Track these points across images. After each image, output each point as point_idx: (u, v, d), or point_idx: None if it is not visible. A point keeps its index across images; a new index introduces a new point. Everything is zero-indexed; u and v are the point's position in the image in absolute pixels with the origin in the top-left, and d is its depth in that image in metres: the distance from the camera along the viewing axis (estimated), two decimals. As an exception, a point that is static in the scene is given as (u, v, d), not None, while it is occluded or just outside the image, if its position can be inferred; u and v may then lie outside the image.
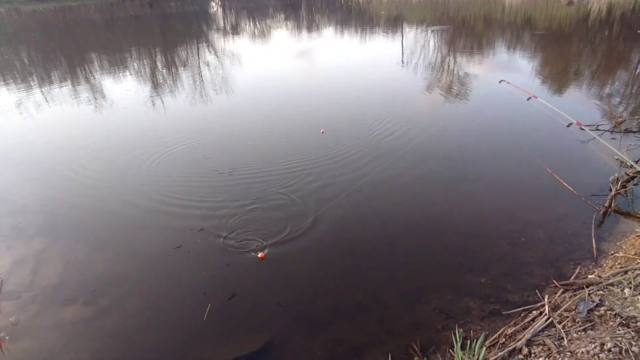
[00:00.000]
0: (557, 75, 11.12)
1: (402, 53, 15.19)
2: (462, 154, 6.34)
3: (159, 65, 14.97)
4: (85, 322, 3.61)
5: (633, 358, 2.79)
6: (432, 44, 17.74)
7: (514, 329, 3.30)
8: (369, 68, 13.10)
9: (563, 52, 13.97)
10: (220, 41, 20.43)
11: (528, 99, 6.22)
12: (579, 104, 8.29)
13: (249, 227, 4.72)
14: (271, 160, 6.32)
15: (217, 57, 16.18)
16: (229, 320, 3.55)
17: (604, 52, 13.84)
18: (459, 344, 2.83)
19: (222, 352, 3.26)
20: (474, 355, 2.68)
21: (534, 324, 3.28)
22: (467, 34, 19.48)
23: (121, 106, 9.74)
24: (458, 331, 2.94)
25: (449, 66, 13.04)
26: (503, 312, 3.48)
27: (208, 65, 14.29)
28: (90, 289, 3.97)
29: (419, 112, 8.38)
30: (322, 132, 7.21)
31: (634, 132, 6.44)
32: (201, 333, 3.43)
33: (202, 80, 12.25)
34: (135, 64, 15.04)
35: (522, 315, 3.45)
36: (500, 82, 7.26)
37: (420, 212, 4.94)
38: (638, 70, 11.32)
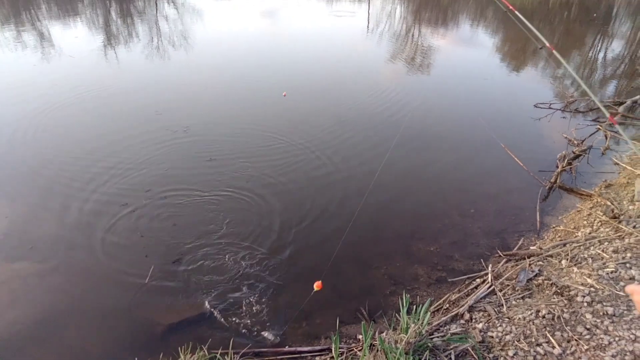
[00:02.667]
0: (516, 54, 11.34)
1: (368, 21, 14.99)
2: (422, 126, 6.41)
3: (113, 14, 14.07)
4: (26, 279, 3.46)
5: (563, 324, 2.98)
6: (398, 13, 17.59)
7: (458, 295, 3.45)
8: (335, 34, 12.86)
9: (523, 31, 14.23)
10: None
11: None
12: (535, 82, 8.52)
13: (196, 184, 4.63)
14: (228, 123, 6.15)
15: (177, 10, 15.39)
16: (173, 284, 3.50)
17: (562, 33, 14.20)
18: (405, 309, 2.91)
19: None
20: (418, 319, 2.77)
21: (477, 291, 3.43)
22: (433, 5, 19.43)
23: (68, 54, 9.13)
24: (405, 297, 3.03)
25: (413, 37, 13.01)
26: (449, 280, 3.61)
27: (166, 19, 13.58)
28: (28, 246, 3.79)
29: (381, 83, 8.35)
30: (285, 95, 7.07)
31: (582, 112, 6.70)
32: (145, 294, 3.37)
33: (159, 34, 11.64)
34: (87, 12, 14.07)
35: (467, 282, 3.60)
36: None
37: (378, 183, 4.97)
38: (591, 54, 11.73)
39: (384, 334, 2.86)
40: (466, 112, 6.95)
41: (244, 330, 3.13)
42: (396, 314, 3.08)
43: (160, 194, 4.54)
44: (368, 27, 13.99)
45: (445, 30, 14.19)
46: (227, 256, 3.78)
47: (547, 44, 2.99)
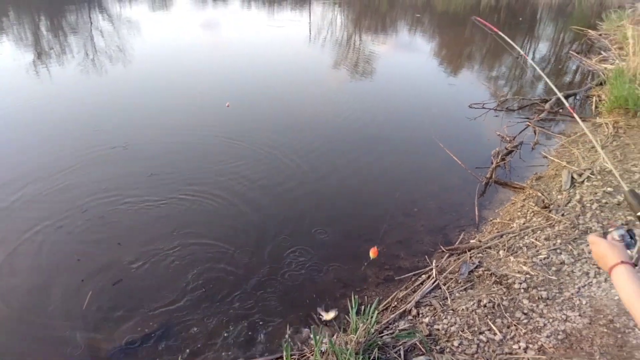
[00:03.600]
0: (452, 58, 11.86)
1: (310, 29, 15.15)
2: (365, 131, 6.56)
3: (43, 29, 13.44)
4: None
5: (503, 311, 3.14)
6: (339, 20, 17.90)
7: (405, 292, 3.55)
8: (277, 42, 12.91)
9: (458, 35, 14.91)
10: (115, 6, 18.80)
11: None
12: (470, 84, 8.94)
13: (136, 199, 4.50)
14: (169, 137, 6.03)
15: (112, 23, 14.91)
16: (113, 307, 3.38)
17: (493, 37, 14.99)
18: (355, 310, 2.97)
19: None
20: (367, 319, 2.84)
21: (423, 287, 3.55)
22: (372, 13, 19.95)
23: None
24: (354, 298, 3.08)
25: (355, 44, 13.30)
26: (396, 278, 3.72)
27: (101, 33, 13.12)
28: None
29: (324, 90, 8.49)
30: (228, 106, 7.01)
31: (514, 110, 7.11)
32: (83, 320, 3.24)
33: (94, 48, 11.23)
34: (14, 28, 13.34)
35: (413, 279, 3.72)
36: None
37: (324, 186, 5.04)
38: (519, 56, 12.45)
39: (335, 336, 2.90)
40: (407, 115, 7.20)
41: (194, 349, 3.07)
42: (346, 316, 3.12)
43: (97, 212, 4.37)
44: (310, 35, 14.14)
45: (385, 36, 14.61)
46: (172, 272, 3.69)
47: (522, 53, 3.24)
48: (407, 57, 11.83)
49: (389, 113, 7.33)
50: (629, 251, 1.30)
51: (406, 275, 3.74)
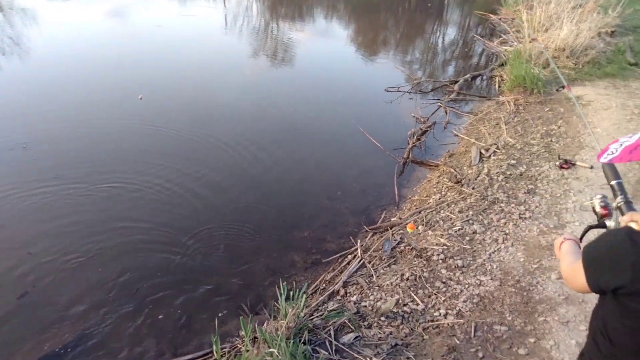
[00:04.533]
0: (369, 43, 12.14)
1: (225, 15, 14.74)
2: (287, 119, 6.54)
3: None
4: None
5: (424, 282, 3.32)
6: (255, 7, 17.58)
7: (332, 274, 3.63)
8: (191, 31, 12.41)
9: (373, 21, 15.27)
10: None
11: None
12: (385, 68, 9.21)
13: (40, 204, 4.17)
14: (75, 135, 5.61)
15: (3, 13, 13.49)
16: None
17: (406, 22, 15.56)
18: (284, 296, 2.99)
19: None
20: (296, 304, 2.87)
21: (349, 267, 3.65)
22: (289, 0, 19.81)
23: None
24: (282, 285, 3.11)
25: (272, 32, 13.16)
26: (323, 261, 3.79)
27: (-11, 24, 11.84)
28: None
29: (244, 78, 8.33)
30: (141, 99, 6.66)
31: (427, 92, 7.45)
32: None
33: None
34: None
35: (340, 260, 3.81)
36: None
37: (247, 177, 4.98)
38: (432, 39, 13.06)
39: (265, 324, 2.91)
40: (327, 102, 7.26)
41: (120, 355, 2.93)
42: (275, 303, 3.14)
43: None
44: (226, 24, 13.74)
45: (302, 24, 14.57)
46: (84, 278, 3.48)
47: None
48: (325, 43, 11.92)
49: (309, 100, 7.36)
50: (609, 222, 1.41)
51: (333, 257, 3.83)
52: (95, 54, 9.32)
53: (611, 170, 1.39)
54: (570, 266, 1.20)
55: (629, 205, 1.29)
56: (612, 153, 1.11)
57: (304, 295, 2.97)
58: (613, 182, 1.38)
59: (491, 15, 11.93)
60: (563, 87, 5.92)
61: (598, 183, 4.26)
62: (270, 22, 14.80)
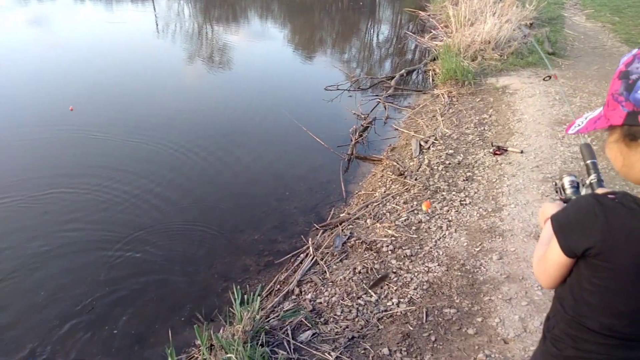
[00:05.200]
0: (306, 43, 12.21)
1: (156, 21, 14.26)
2: (230, 124, 6.46)
3: None
4: None
5: (376, 274, 3.40)
6: (187, 11, 17.15)
7: (286, 274, 3.64)
8: (121, 38, 11.91)
9: (308, 21, 15.37)
10: None
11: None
12: (324, 67, 9.30)
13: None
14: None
15: None
16: None
17: (340, 21, 15.78)
18: (238, 301, 2.97)
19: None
20: (251, 307, 2.85)
21: (302, 265, 3.67)
22: (221, 2, 19.50)
23: None
24: (236, 289, 3.08)
25: (207, 35, 12.90)
26: (276, 262, 3.79)
27: None
28: None
29: (182, 83, 8.13)
30: (72, 110, 6.32)
31: (365, 89, 7.62)
32: None
33: None
34: None
35: (292, 260, 3.82)
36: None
37: (194, 183, 4.87)
38: (367, 37, 13.34)
39: (221, 330, 2.87)
40: (269, 103, 7.23)
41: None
42: (231, 308, 3.10)
43: None
44: (157, 29, 13.31)
45: (237, 26, 14.40)
46: (23, 295, 3.28)
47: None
48: (262, 45, 11.85)
49: (251, 103, 7.30)
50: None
51: (285, 257, 3.83)
52: (21, 64, 8.72)
53: (587, 150, 1.48)
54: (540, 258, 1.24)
55: (600, 183, 1.38)
56: (579, 125, 1.18)
57: (258, 298, 2.96)
58: (588, 161, 1.46)
59: (420, 12, 12.39)
60: (550, 77, 6.02)
61: (529, 166, 4.56)
62: (204, 25, 14.51)
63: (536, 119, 5.49)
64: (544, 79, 6.40)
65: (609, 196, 1.03)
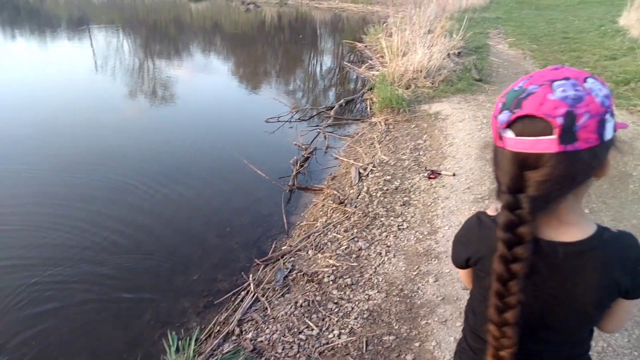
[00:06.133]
0: (249, 76, 12.31)
1: (95, 57, 13.93)
2: (171, 157, 6.35)
3: None
4: None
5: (317, 306, 3.38)
6: (126, 47, 16.90)
7: (226, 314, 3.54)
8: (59, 76, 11.49)
9: (251, 54, 15.55)
10: None
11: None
12: (265, 99, 9.38)
13: None
14: None
15: None
16: None
17: (283, 54, 16.07)
18: (173, 348, 2.85)
19: None
20: (185, 354, 2.74)
21: (243, 303, 3.59)
22: (161, 37, 19.38)
23: None
24: (171, 336, 2.96)
25: (149, 70, 12.73)
26: (215, 302, 3.67)
27: None
28: None
29: (122, 120, 7.91)
30: None
31: (306, 119, 7.74)
32: None
33: None
34: None
35: (233, 299, 3.72)
36: None
37: (131, 221, 4.69)
38: (308, 69, 13.64)
39: (155, 381, 2.73)
40: (210, 137, 7.19)
41: None
42: (165, 357, 2.96)
43: None
44: (96, 65, 12.98)
45: (180, 60, 14.31)
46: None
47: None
48: (205, 79, 11.84)
49: (192, 138, 7.22)
50: None
51: (226, 296, 3.73)
52: None
53: None
54: None
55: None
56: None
57: (193, 343, 2.86)
58: None
59: (357, 43, 12.86)
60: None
61: (461, 188, 4.75)
62: (145, 60, 14.32)
63: (466, 143, 5.77)
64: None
65: (491, 214, 1.12)
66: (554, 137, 0.88)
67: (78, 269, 3.95)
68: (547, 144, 0.89)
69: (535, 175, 0.91)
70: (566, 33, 12.85)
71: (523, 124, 0.91)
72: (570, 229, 1.00)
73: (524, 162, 0.93)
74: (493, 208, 1.14)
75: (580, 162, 0.90)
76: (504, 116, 0.94)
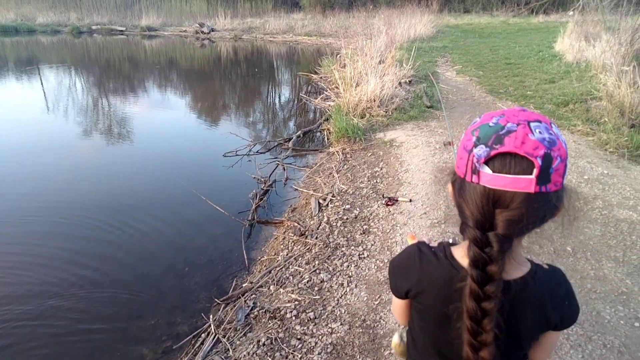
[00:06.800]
0: (207, 110, 12.27)
1: (46, 97, 13.54)
2: (126, 195, 6.17)
3: None
4: None
5: (280, 343, 3.32)
6: (79, 86, 16.54)
7: (186, 359, 3.41)
8: (6, 117, 11.06)
9: (208, 89, 15.54)
10: None
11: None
12: (222, 133, 9.35)
13: None
14: None
15: None
16: None
17: (241, 87, 16.16)
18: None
19: None
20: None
21: (204, 346, 3.47)
22: (115, 75, 19.11)
23: None
24: (127, 387, 2.81)
25: (104, 108, 12.49)
26: (175, 347, 3.53)
27: None
28: None
29: (76, 159, 7.66)
30: None
31: (264, 152, 7.75)
32: None
33: None
34: None
35: (193, 342, 3.60)
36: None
37: (82, 264, 4.49)
38: (267, 102, 13.75)
39: None
40: (167, 174, 7.06)
41: None
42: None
43: None
44: (47, 104, 12.62)
45: (135, 97, 14.12)
46: None
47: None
48: (161, 115, 11.72)
49: (149, 175, 7.09)
50: None
51: (185, 339, 3.60)
52: None
53: None
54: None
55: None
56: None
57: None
58: None
59: (313, 75, 13.13)
60: (450, 143, 6.49)
61: (418, 214, 4.85)
62: (99, 98, 14.05)
63: (421, 168, 5.92)
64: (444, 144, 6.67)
65: (431, 244, 1.14)
66: (532, 177, 0.88)
67: (21, 314, 3.72)
68: (525, 183, 0.88)
69: (509, 214, 0.91)
70: (508, 59, 13.64)
71: (502, 161, 0.90)
72: (517, 266, 1.03)
73: (497, 200, 0.91)
74: (427, 238, 1.17)
75: (549, 204, 0.92)
76: (482, 151, 0.91)
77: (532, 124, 0.91)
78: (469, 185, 0.96)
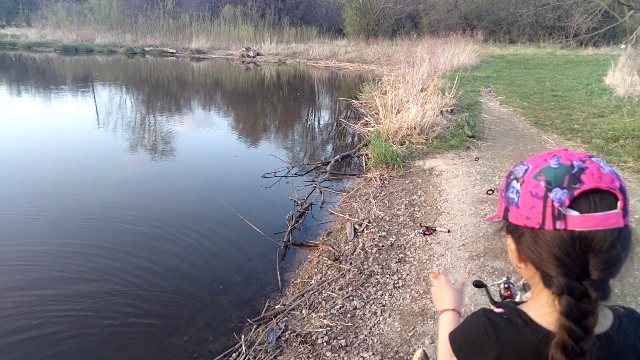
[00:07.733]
0: (249, 130, 12.58)
1: (97, 113, 14.27)
2: (167, 213, 6.35)
3: None
4: None
5: None
6: (129, 103, 17.35)
7: (216, 378, 3.42)
8: (62, 131, 11.72)
9: (251, 110, 15.95)
10: None
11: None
12: (263, 154, 9.53)
13: None
14: None
15: None
16: None
17: (282, 110, 16.50)
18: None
19: None
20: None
21: (234, 366, 3.48)
22: (163, 94, 19.92)
23: None
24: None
25: (150, 125, 13.03)
26: (205, 366, 3.56)
27: None
28: None
29: (123, 174, 7.99)
30: None
31: (302, 175, 7.83)
32: None
33: None
34: None
35: (223, 361, 3.61)
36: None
37: (121, 280, 4.62)
38: (307, 125, 13.96)
39: None
40: (208, 193, 7.23)
41: None
42: None
43: None
44: (98, 120, 13.30)
45: (180, 116, 14.65)
46: None
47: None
48: (204, 134, 12.09)
49: (190, 192, 7.28)
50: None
51: (217, 358, 3.61)
52: None
53: None
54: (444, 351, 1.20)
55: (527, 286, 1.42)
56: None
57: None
58: None
59: (353, 100, 13.25)
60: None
61: (456, 245, 4.73)
62: (147, 116, 14.66)
63: (460, 199, 5.81)
64: (475, 159, 6.83)
65: (497, 311, 1.04)
66: (618, 210, 0.84)
67: (23, 314, 3.85)
68: (615, 218, 0.83)
69: (606, 255, 0.84)
70: (555, 91, 13.32)
71: (587, 200, 0.85)
72: (601, 316, 0.93)
73: (590, 243, 0.84)
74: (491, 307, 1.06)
75: (631, 237, 0.87)
76: (561, 194, 0.85)
77: (594, 158, 0.87)
78: (548, 234, 0.88)
